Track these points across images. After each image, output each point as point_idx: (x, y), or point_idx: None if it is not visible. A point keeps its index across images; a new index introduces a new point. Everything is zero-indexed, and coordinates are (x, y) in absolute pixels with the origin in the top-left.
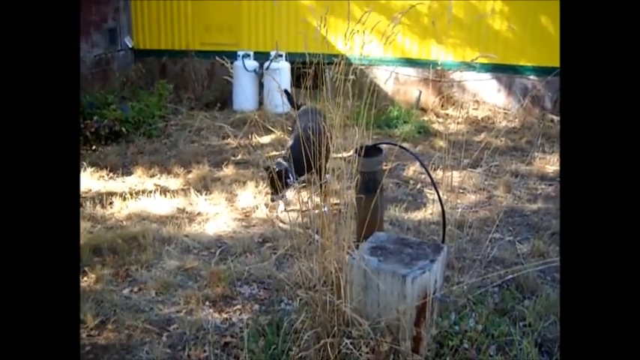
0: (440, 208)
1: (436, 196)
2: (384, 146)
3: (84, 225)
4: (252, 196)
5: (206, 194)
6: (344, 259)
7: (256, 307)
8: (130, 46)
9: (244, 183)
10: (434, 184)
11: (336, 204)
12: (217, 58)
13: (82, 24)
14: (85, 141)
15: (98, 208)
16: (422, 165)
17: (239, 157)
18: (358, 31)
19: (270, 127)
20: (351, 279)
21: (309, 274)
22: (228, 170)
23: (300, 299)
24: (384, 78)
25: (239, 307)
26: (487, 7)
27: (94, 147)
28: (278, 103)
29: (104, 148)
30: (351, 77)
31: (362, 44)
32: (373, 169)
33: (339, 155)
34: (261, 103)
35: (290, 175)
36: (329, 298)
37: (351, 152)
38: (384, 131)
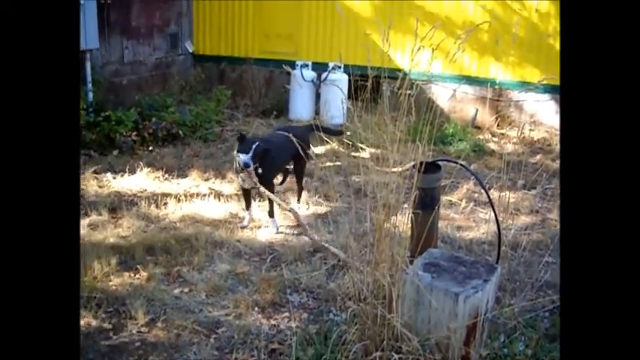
0: (494, 228)
1: (489, 216)
2: (441, 163)
3: (138, 224)
4: (305, 206)
5: (259, 201)
6: (397, 273)
7: (305, 315)
8: (191, 50)
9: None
10: (491, 204)
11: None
12: (277, 66)
13: (145, 28)
14: (142, 142)
15: (153, 208)
16: (480, 184)
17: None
18: (423, 46)
19: (325, 138)
20: (403, 294)
21: (360, 286)
22: (287, 180)
23: (350, 311)
24: (442, 94)
25: (288, 314)
26: (549, 26)
27: (150, 148)
28: (334, 114)
29: (161, 150)
30: (410, 92)
31: (429, 61)
32: (431, 186)
33: (394, 169)
34: (317, 112)
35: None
36: (380, 311)
37: (407, 167)
38: (439, 148)
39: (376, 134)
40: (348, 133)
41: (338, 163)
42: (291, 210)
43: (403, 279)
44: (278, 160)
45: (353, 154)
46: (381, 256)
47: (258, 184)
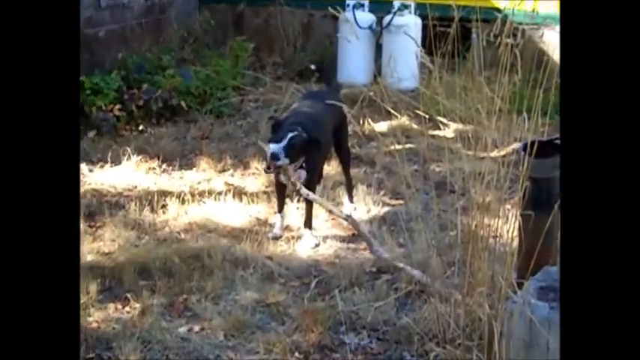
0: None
1: None
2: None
3: (126, 235)
4: (365, 206)
5: (298, 200)
6: (500, 302)
7: None
8: None
9: (354, 186)
10: None
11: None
12: (318, 6)
13: None
14: (129, 118)
15: (146, 212)
16: None
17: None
18: None
19: (389, 109)
20: (509, 331)
21: (447, 321)
22: (330, 167)
23: (433, 356)
24: (558, 44)
25: None
26: None
27: (141, 127)
28: (403, 75)
29: (156, 129)
30: (513, 41)
31: None
32: (548, 175)
33: (492, 154)
34: (378, 73)
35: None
36: (476, 356)
37: (511, 150)
38: (555, 121)
39: (464, 103)
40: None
41: (410, 145)
42: (347, 218)
43: (509, 310)
44: (321, 146)
45: (431, 132)
46: (477, 278)
47: (298, 186)
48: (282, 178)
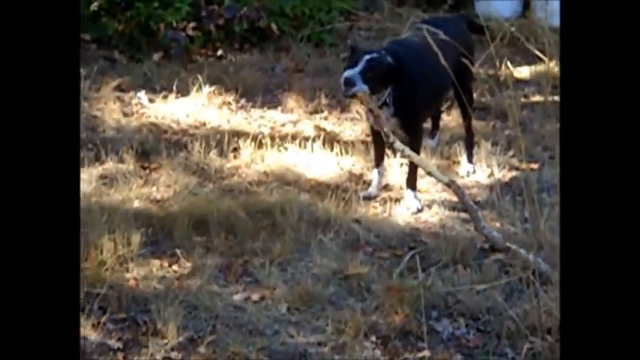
0: None
1: None
2: None
3: (186, 181)
4: (486, 169)
5: (402, 154)
6: None
7: (458, 357)
8: None
9: (476, 144)
10: None
11: None
12: None
13: None
14: (205, 40)
15: (213, 155)
16: None
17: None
18: None
19: (536, 52)
20: None
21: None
22: (449, 119)
23: (526, 349)
24: None
25: (427, 353)
26: None
27: (220, 52)
28: (556, 7)
29: (237, 56)
30: None
31: None
32: None
33: None
34: (527, 6)
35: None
36: None
37: None
38: None
39: None
40: None
41: (556, 97)
42: (450, 184)
43: None
44: (428, 86)
45: None
46: None
47: (386, 132)
48: (369, 118)
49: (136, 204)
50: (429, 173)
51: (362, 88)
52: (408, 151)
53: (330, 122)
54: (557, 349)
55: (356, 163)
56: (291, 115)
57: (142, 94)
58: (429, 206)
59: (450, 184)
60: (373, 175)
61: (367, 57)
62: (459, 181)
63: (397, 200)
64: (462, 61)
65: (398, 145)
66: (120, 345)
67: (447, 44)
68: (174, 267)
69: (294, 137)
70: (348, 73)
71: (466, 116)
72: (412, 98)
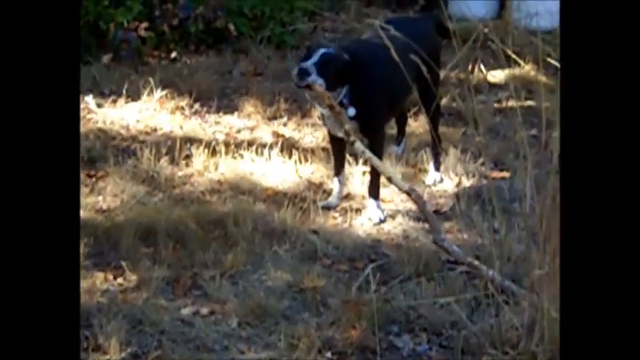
0: None
1: None
2: None
3: (134, 189)
4: (454, 177)
5: (365, 162)
6: None
7: None
8: None
9: (445, 151)
10: None
11: None
12: None
13: None
14: (158, 41)
15: (164, 163)
16: None
17: (443, 101)
18: None
19: (511, 54)
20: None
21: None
22: (417, 125)
23: None
24: None
25: None
26: None
27: (173, 54)
28: (536, 10)
29: (192, 59)
30: None
31: None
32: None
33: None
34: (503, 6)
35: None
36: None
37: None
38: None
39: None
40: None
41: (531, 103)
42: (410, 192)
43: None
44: (388, 87)
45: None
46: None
47: (347, 129)
48: (326, 120)
49: (81, 214)
50: (389, 179)
51: (317, 79)
52: (368, 153)
53: (290, 128)
54: None
55: (316, 171)
56: (249, 120)
57: (90, 99)
58: (393, 217)
59: (410, 193)
60: (334, 184)
61: (322, 51)
62: (425, 190)
63: (358, 210)
64: (428, 63)
65: (358, 145)
66: None
67: (410, 45)
68: (119, 280)
69: (250, 144)
70: (302, 64)
71: (432, 122)
72: (371, 99)
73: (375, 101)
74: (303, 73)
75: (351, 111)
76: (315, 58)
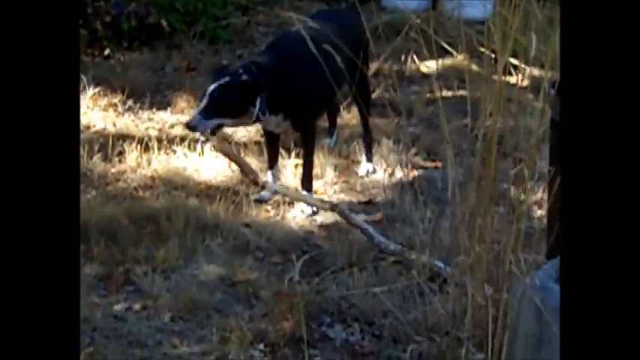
0: None
1: None
2: None
3: None
4: (387, 168)
5: (298, 155)
6: (504, 283)
7: None
8: None
9: (377, 141)
10: None
11: None
12: None
13: None
14: (90, 39)
15: (97, 160)
16: None
17: (375, 93)
18: None
19: (444, 44)
20: (513, 323)
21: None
22: (350, 116)
23: (410, 350)
24: None
25: None
26: None
27: (106, 51)
28: (469, 1)
29: (126, 55)
30: None
31: None
32: None
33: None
34: None
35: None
36: (471, 351)
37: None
38: None
39: (548, 41)
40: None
41: (463, 92)
42: (334, 208)
43: (514, 295)
44: (316, 81)
45: (496, 77)
46: (502, 260)
47: (252, 178)
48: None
49: None
50: (306, 202)
51: (207, 124)
52: (282, 189)
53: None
54: (444, 349)
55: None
56: (182, 116)
57: None
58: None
59: (334, 209)
60: (267, 178)
61: (212, 87)
62: (358, 182)
63: (291, 203)
64: (357, 54)
65: (270, 186)
66: None
67: (340, 37)
68: None
69: (183, 139)
70: (188, 119)
71: (363, 113)
72: (299, 96)
73: (305, 98)
74: (191, 128)
75: (281, 116)
76: (204, 102)
